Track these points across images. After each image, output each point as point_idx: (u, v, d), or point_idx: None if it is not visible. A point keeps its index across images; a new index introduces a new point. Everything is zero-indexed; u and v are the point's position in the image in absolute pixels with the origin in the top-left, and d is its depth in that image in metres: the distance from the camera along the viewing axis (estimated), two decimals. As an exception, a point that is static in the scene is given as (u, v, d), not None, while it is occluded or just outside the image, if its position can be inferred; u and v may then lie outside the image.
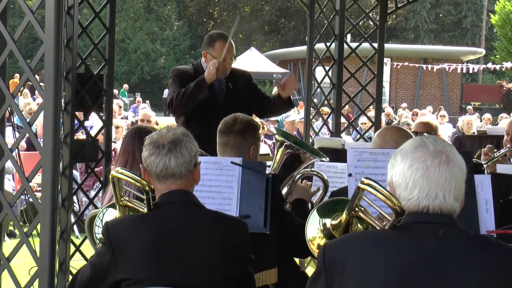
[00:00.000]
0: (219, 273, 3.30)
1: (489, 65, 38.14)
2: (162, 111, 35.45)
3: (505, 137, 6.58)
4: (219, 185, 4.13)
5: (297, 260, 5.04)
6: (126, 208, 3.60)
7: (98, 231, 3.70)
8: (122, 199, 3.57)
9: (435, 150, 2.71)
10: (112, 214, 3.78)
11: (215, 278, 3.29)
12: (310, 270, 5.79)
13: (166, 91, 19.99)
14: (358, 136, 9.48)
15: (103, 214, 3.83)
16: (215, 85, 6.45)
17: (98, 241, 3.73)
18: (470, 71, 40.19)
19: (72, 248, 6.14)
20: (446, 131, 16.57)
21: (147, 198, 3.36)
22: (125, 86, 37.99)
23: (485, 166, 5.99)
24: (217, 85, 6.48)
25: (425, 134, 5.94)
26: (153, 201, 3.37)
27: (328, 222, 3.41)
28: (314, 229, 3.46)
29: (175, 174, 3.34)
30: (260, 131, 6.16)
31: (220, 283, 3.31)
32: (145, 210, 3.42)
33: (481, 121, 21.46)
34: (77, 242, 6.63)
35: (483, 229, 3.82)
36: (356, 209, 3.13)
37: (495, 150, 6.45)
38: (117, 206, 3.61)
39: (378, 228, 3.04)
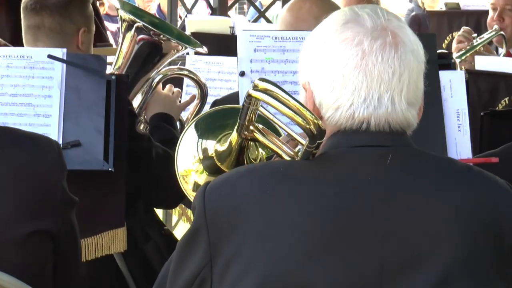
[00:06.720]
0: (18, 227, 3.15)
1: None
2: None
3: (490, 14, 6.66)
4: (29, 93, 4.10)
5: (160, 213, 5.05)
6: None
7: None
8: None
9: (374, 26, 2.59)
10: None
11: (13, 236, 3.14)
12: (181, 231, 5.82)
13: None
14: (257, 15, 9.46)
15: None
16: None
17: None
18: None
19: None
20: (398, 7, 16.74)
21: None
22: None
23: (457, 59, 6.08)
24: None
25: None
26: None
27: (212, 146, 3.34)
28: (190, 158, 3.38)
29: None
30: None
31: (22, 243, 3.16)
32: None
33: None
34: None
35: (453, 157, 3.79)
36: (251, 127, 2.99)
37: (475, 35, 6.54)
38: None
39: (287, 158, 2.93)
